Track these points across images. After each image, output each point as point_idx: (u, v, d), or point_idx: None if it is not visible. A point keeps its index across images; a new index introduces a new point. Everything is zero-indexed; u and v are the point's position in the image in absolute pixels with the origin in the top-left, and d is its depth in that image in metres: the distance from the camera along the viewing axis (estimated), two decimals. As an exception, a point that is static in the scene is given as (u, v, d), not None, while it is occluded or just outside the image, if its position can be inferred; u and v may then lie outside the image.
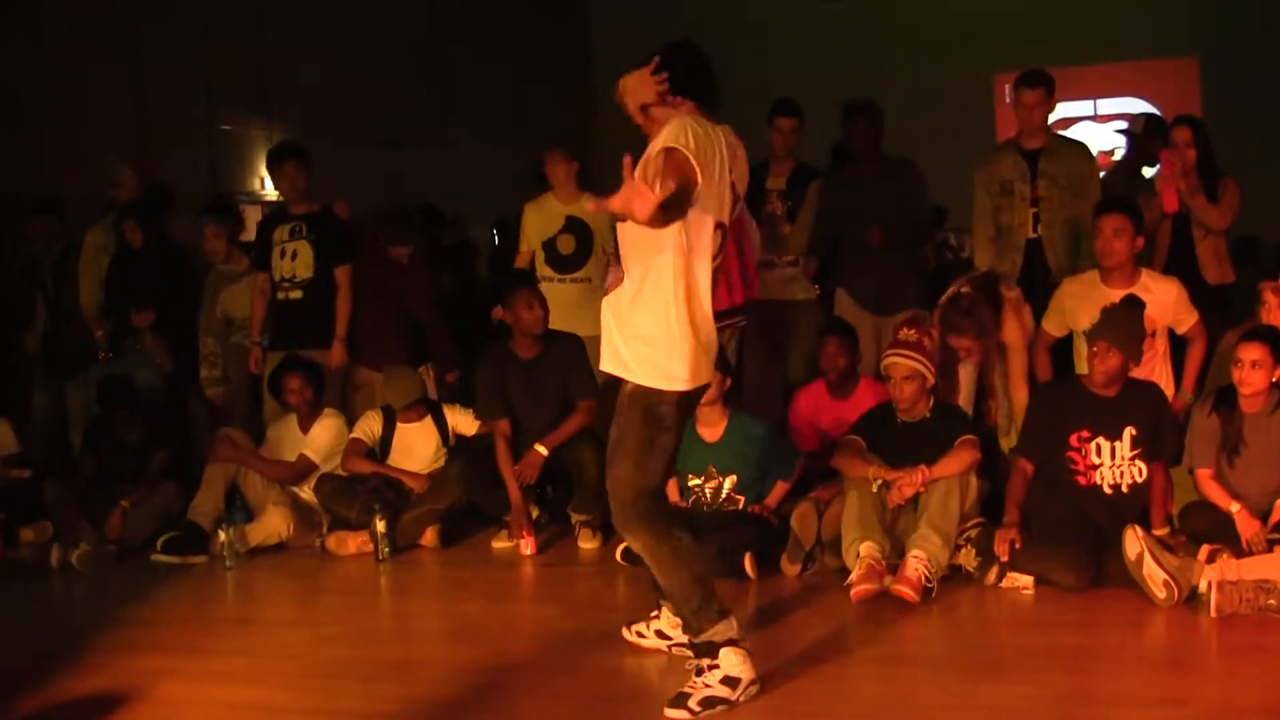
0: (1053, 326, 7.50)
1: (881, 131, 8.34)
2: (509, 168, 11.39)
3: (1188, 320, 7.35)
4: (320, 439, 8.17)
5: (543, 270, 8.88)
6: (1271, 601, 5.76)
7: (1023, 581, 6.36)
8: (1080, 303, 7.22)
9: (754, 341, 8.57)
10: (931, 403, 6.83)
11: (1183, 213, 7.92)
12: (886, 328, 7.69)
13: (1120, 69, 15.20)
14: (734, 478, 7.11)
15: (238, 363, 9.24)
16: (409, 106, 14.33)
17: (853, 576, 6.29)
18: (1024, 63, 8.79)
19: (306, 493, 8.15)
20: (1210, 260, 8.00)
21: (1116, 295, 7.03)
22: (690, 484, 7.19)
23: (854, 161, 8.43)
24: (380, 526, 7.64)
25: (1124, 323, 6.64)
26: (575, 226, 8.85)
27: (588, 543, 7.63)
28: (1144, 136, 9.84)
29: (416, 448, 8.19)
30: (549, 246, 8.90)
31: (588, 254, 8.84)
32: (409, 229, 9.20)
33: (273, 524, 7.91)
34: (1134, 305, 6.81)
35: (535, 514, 7.84)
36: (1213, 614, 5.77)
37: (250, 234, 9.70)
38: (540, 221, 8.97)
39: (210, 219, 9.45)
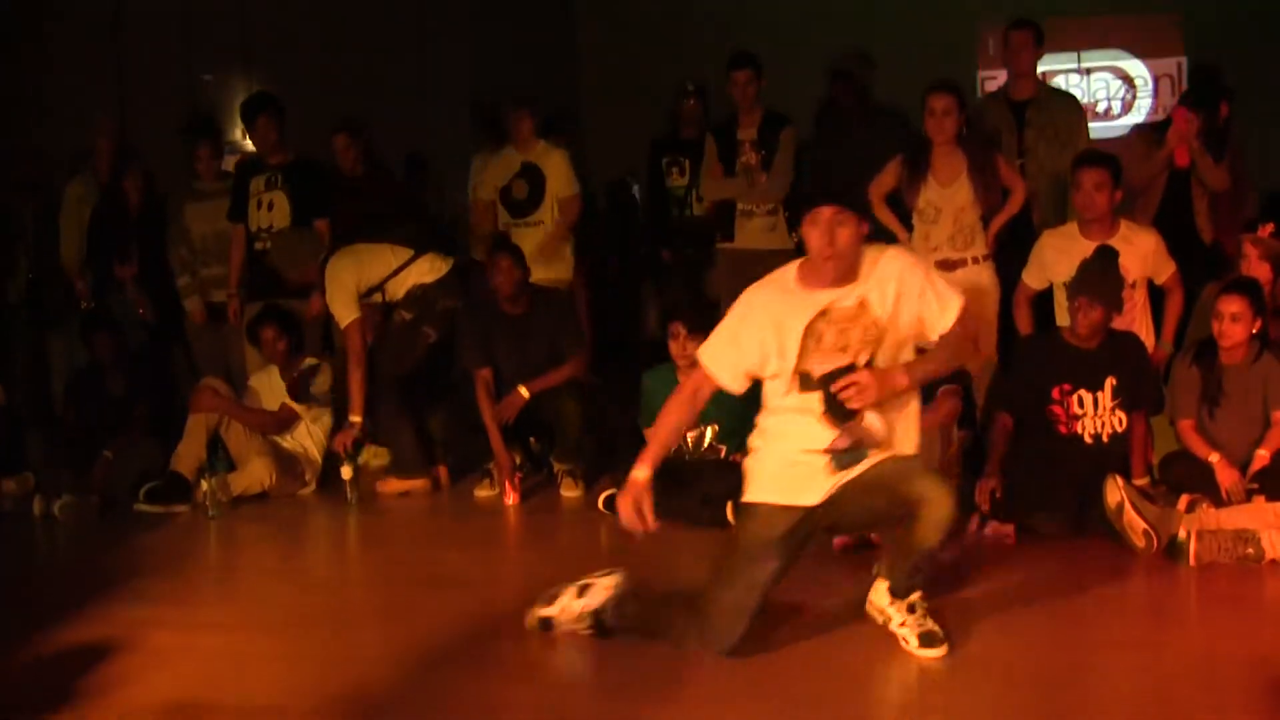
0: (1033, 279, 7.51)
1: (867, 87, 8.37)
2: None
3: (1166, 270, 7.38)
4: (301, 388, 8.19)
5: (500, 216, 9.05)
6: (1249, 551, 5.81)
7: (1004, 531, 6.40)
8: (1060, 255, 7.23)
9: (732, 291, 8.55)
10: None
11: (1184, 170, 7.91)
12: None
13: (1104, 22, 15.18)
14: (715, 427, 7.13)
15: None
16: (392, 57, 14.23)
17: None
18: (1009, 15, 8.78)
19: (289, 442, 8.16)
20: (1207, 218, 8.00)
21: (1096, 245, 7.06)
22: (672, 434, 7.21)
23: (842, 116, 8.44)
24: (347, 473, 7.76)
25: (1101, 274, 6.67)
26: (529, 172, 8.97)
27: (570, 491, 7.66)
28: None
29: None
30: (504, 193, 9.05)
31: (540, 199, 8.95)
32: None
33: (255, 473, 7.91)
34: (1106, 254, 6.84)
35: (518, 462, 7.85)
36: (1191, 563, 5.81)
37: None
38: (495, 169, 9.13)
39: (206, 141, 9.40)
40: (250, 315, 8.60)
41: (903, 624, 4.97)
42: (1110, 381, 6.57)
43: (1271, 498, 6.19)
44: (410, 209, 9.30)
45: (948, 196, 7.65)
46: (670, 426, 5.19)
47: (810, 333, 4.82)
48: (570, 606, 5.21)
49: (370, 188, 9.07)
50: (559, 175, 8.98)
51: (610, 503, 7.12)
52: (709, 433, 7.15)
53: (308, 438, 8.20)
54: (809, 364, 4.82)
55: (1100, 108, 13.02)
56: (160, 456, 8.08)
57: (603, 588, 5.19)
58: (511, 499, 7.59)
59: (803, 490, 4.92)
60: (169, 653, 5.36)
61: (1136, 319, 7.26)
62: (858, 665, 4.95)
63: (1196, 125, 7.80)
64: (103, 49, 11.47)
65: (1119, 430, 6.58)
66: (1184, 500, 6.27)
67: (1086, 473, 6.35)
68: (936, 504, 4.72)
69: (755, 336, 4.91)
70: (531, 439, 8.14)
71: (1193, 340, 7.01)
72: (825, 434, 4.82)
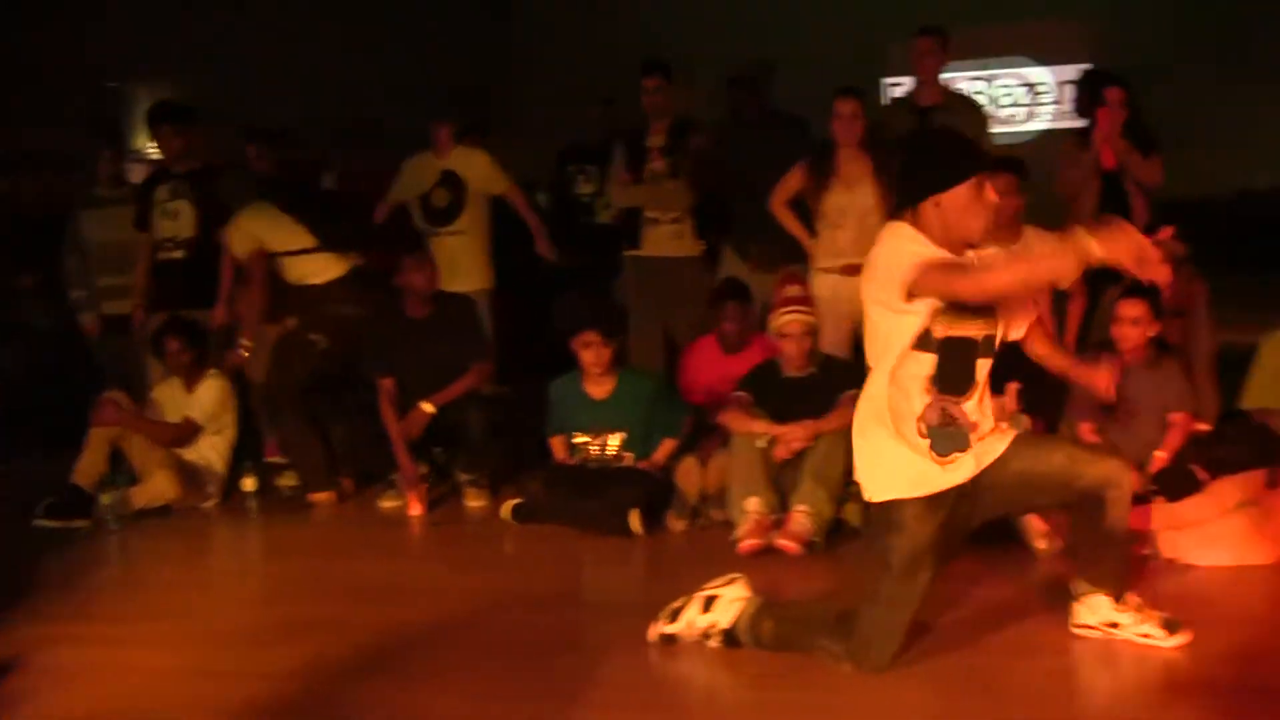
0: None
1: (767, 94, 8.40)
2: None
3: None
4: (205, 400, 8.08)
5: (419, 224, 8.98)
6: (1146, 551, 5.87)
7: (908, 535, 6.42)
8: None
9: (639, 298, 8.62)
10: (818, 357, 6.88)
11: (1115, 171, 7.96)
12: (767, 284, 7.70)
13: (1008, 29, 15.34)
14: (622, 435, 7.14)
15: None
16: (326, 60, 14.16)
17: (739, 531, 6.33)
18: (914, 22, 8.83)
19: (192, 454, 8.07)
20: (1143, 218, 8.06)
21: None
22: (577, 441, 7.22)
23: (743, 124, 8.45)
24: (249, 485, 7.76)
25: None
26: (449, 180, 8.92)
27: (475, 501, 7.62)
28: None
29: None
30: (424, 200, 8.98)
31: (460, 208, 8.90)
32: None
33: (158, 486, 7.81)
34: None
35: (423, 473, 7.80)
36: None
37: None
38: (415, 175, 9.05)
39: (106, 148, 9.30)
40: (153, 326, 8.49)
41: (1141, 622, 4.92)
42: (1012, 386, 6.60)
43: (1169, 499, 6.25)
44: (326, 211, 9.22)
45: (853, 200, 7.68)
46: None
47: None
48: (695, 622, 5.10)
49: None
50: (483, 175, 8.95)
51: (516, 512, 7.11)
52: (615, 440, 7.15)
53: (211, 450, 8.10)
54: (936, 324, 4.60)
55: (1005, 113, 13.12)
56: (61, 471, 7.96)
57: (729, 601, 5.08)
58: (417, 510, 7.54)
59: (923, 479, 4.71)
60: (70, 670, 5.28)
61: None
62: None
63: (1120, 122, 7.86)
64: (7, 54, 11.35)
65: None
66: (1085, 502, 6.32)
67: (989, 476, 6.36)
68: (1119, 484, 4.70)
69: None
70: (436, 449, 8.09)
71: (1093, 344, 7.06)
72: (921, 401, 4.67)
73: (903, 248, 4.57)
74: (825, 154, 7.78)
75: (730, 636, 5.02)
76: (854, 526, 6.54)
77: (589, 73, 11.85)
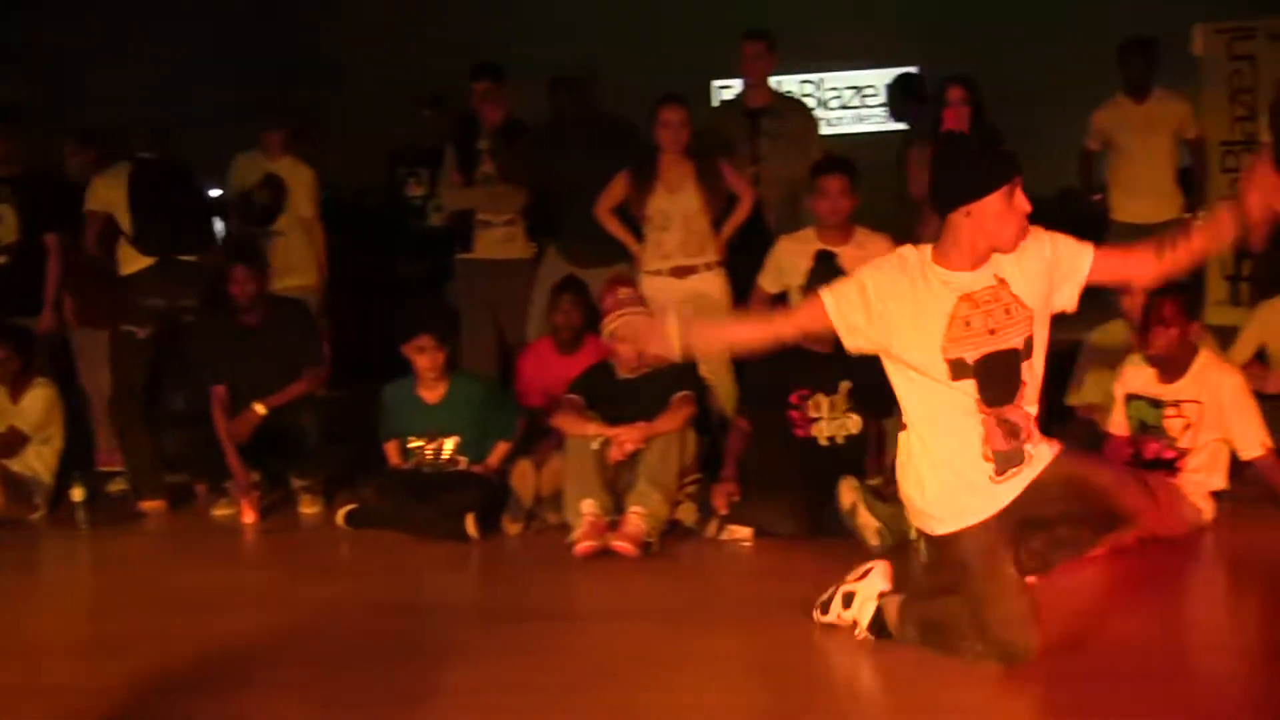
0: (768, 283, 7.61)
1: (593, 95, 8.41)
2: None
3: (898, 277, 7.54)
4: (31, 409, 7.90)
5: (238, 225, 8.97)
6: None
7: (742, 534, 6.48)
8: (797, 259, 7.30)
9: (471, 301, 8.59)
10: (650, 359, 6.91)
11: None
12: (595, 282, 7.71)
13: (836, 33, 15.51)
14: (456, 439, 7.12)
15: None
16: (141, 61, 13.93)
17: (575, 534, 6.34)
18: (743, 26, 8.88)
19: (19, 465, 7.89)
20: None
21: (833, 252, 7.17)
22: (411, 446, 7.19)
23: (567, 126, 8.45)
24: (77, 495, 7.57)
25: (821, 278, 6.78)
26: (271, 182, 8.84)
27: (309, 508, 7.54)
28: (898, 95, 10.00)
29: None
30: (244, 199, 8.90)
31: (279, 209, 8.83)
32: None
33: (-18, 498, 7.66)
34: (826, 259, 6.96)
35: (255, 480, 7.70)
36: (924, 560, 5.93)
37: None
38: (241, 174, 8.98)
39: None
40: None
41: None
42: (845, 386, 6.69)
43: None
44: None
45: (677, 203, 7.72)
46: (744, 337, 5.07)
47: (955, 318, 4.55)
48: (844, 617, 5.11)
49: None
50: (305, 194, 8.89)
51: (351, 518, 7.06)
52: (449, 444, 7.12)
53: (38, 460, 7.92)
54: (960, 350, 4.55)
55: (833, 116, 13.26)
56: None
57: (865, 599, 5.06)
58: (250, 518, 7.45)
59: (985, 504, 4.63)
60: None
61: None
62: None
63: (966, 122, 7.97)
64: None
65: (853, 432, 6.71)
66: (916, 499, 6.42)
67: (822, 475, 6.45)
68: (1135, 522, 4.79)
69: (890, 314, 4.61)
70: (270, 455, 7.99)
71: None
72: (979, 429, 4.58)
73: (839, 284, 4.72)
74: (648, 161, 7.80)
75: (879, 630, 5.00)
76: (688, 527, 6.59)
77: (418, 74, 11.79)
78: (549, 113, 8.57)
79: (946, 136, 4.65)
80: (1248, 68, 11.02)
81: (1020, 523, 4.72)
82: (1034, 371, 4.61)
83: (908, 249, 4.70)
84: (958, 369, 4.53)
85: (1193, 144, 8.95)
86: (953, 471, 4.61)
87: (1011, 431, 4.57)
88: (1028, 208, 4.49)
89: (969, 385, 4.54)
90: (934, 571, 5.12)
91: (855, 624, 5.05)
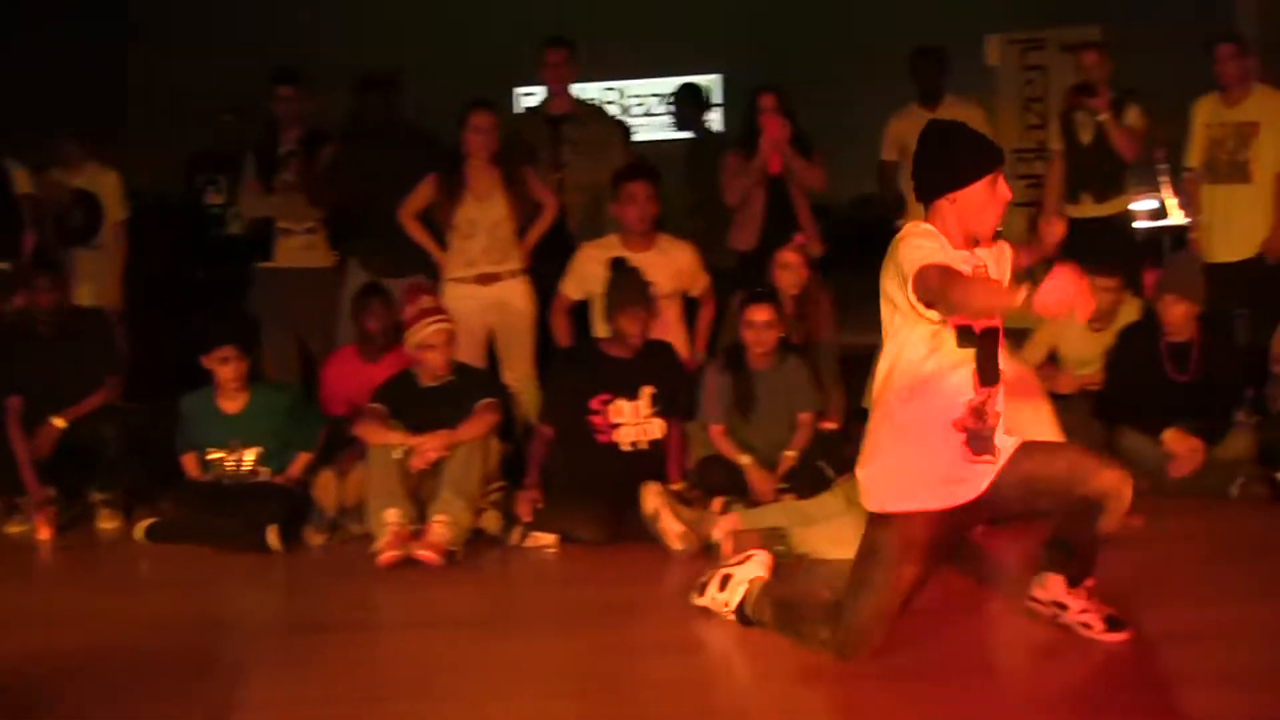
0: (572, 290, 7.63)
1: (395, 101, 8.36)
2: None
3: (700, 283, 7.65)
4: None
5: (52, 241, 8.68)
6: (780, 548, 6.00)
7: (546, 541, 6.49)
8: (600, 267, 7.34)
9: (272, 310, 8.47)
10: (453, 366, 6.88)
11: (780, 176, 8.12)
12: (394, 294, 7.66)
13: (642, 42, 15.62)
14: (257, 450, 7.01)
15: None
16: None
17: (378, 543, 6.28)
18: (549, 32, 8.88)
19: None
20: (809, 223, 8.25)
21: (633, 258, 7.21)
22: (211, 457, 7.05)
23: (369, 131, 8.39)
24: None
25: (630, 285, 6.83)
26: (84, 199, 8.71)
27: (108, 523, 7.32)
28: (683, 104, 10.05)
29: None
30: (59, 221, 8.70)
31: (97, 227, 8.70)
32: None
33: None
34: (621, 266, 7.01)
35: (50, 495, 7.51)
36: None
37: None
38: (42, 188, 8.74)
39: None
40: None
41: (1084, 610, 4.90)
42: (647, 390, 6.73)
43: (799, 496, 6.46)
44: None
45: (484, 211, 7.70)
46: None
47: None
48: (717, 599, 5.17)
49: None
50: (115, 199, 8.78)
51: (151, 532, 6.93)
52: (249, 455, 7.02)
53: None
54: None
55: (636, 123, 13.30)
56: None
57: (739, 583, 5.12)
58: (45, 534, 7.25)
59: (952, 490, 4.61)
60: None
61: (670, 328, 7.46)
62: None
63: (788, 132, 8.04)
64: None
65: (656, 437, 6.75)
66: (718, 502, 6.53)
67: (625, 480, 6.49)
68: (1120, 496, 4.64)
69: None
70: (67, 468, 7.80)
71: (722, 348, 7.24)
72: (967, 393, 4.55)
73: (920, 244, 4.47)
74: (455, 166, 7.77)
75: (742, 616, 5.07)
76: (493, 535, 6.57)
77: (218, 80, 11.64)
78: (350, 117, 8.49)
79: (933, 124, 4.69)
80: (1039, 77, 11.33)
81: (961, 536, 4.88)
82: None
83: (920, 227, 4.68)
84: (963, 336, 4.54)
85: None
86: (924, 445, 4.59)
87: (979, 414, 4.59)
88: (1008, 196, 4.58)
89: (970, 355, 4.56)
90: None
91: (725, 609, 5.13)
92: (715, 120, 11.04)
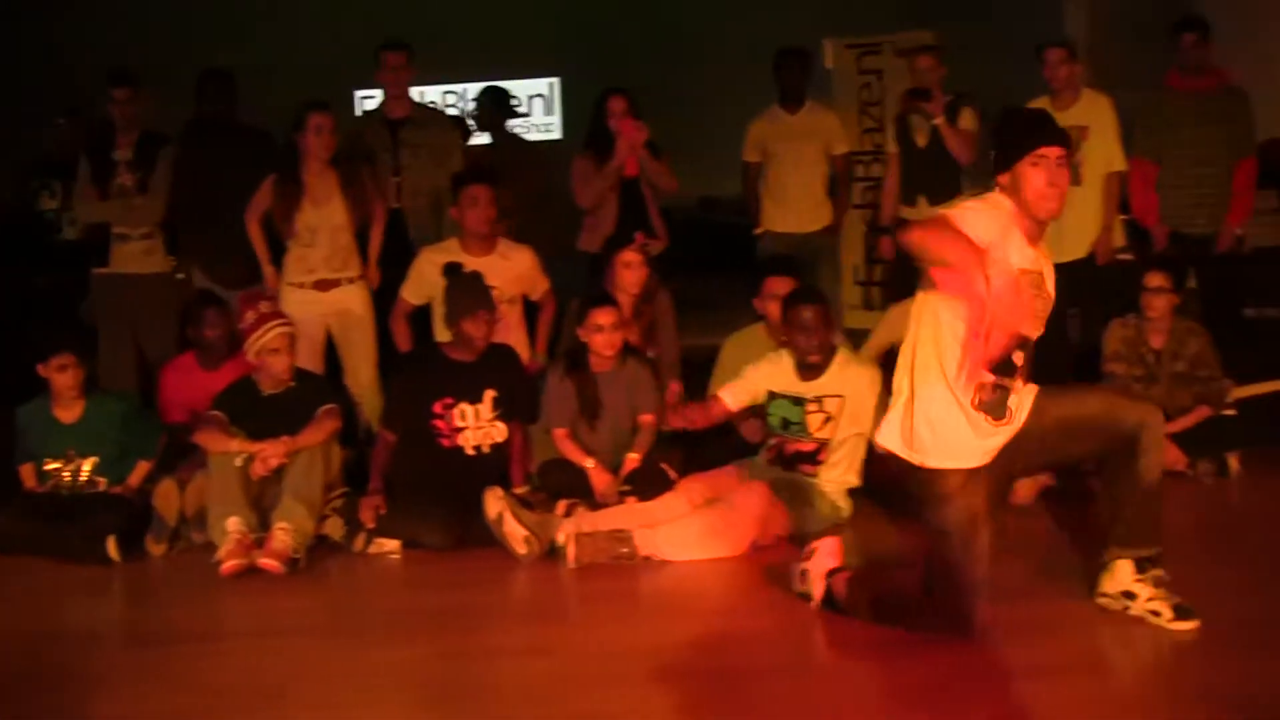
0: (412, 295, 7.61)
1: (231, 104, 8.30)
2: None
3: (541, 286, 7.68)
4: None
5: None
6: (624, 550, 6.06)
7: (390, 546, 6.47)
8: (440, 271, 7.33)
9: (109, 317, 8.34)
10: (294, 372, 6.84)
11: (634, 179, 8.15)
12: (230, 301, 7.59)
13: (481, 45, 15.60)
14: (94, 459, 6.90)
15: None
16: None
17: (221, 553, 6.22)
18: (387, 35, 8.84)
19: None
20: (661, 225, 8.28)
21: (474, 262, 7.21)
22: (48, 468, 6.92)
23: (208, 133, 8.30)
24: None
25: (473, 289, 6.83)
26: None
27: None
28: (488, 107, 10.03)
29: None
30: None
31: None
32: None
33: None
34: (453, 270, 7.01)
35: None
36: (571, 565, 6.02)
37: None
38: None
39: None
40: None
41: (1151, 598, 4.93)
42: (490, 394, 6.74)
43: (642, 498, 6.50)
44: None
45: (323, 217, 7.65)
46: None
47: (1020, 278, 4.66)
48: (798, 591, 5.37)
49: None
50: None
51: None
52: (87, 465, 6.91)
53: None
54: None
55: (475, 126, 13.25)
56: None
57: (816, 578, 5.27)
58: None
59: (983, 449, 4.80)
60: None
61: (512, 332, 7.47)
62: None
63: (645, 135, 8.07)
64: None
65: (499, 440, 6.76)
66: (561, 505, 6.56)
67: (469, 484, 6.46)
68: (1154, 426, 4.75)
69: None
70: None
71: (563, 351, 7.26)
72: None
73: (969, 207, 4.66)
74: (293, 169, 7.71)
75: (831, 604, 5.21)
76: (336, 542, 6.54)
77: (51, 82, 11.47)
78: (190, 117, 8.40)
79: (1007, 110, 4.86)
80: (875, 81, 11.49)
81: (1010, 480, 5.08)
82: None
83: (998, 197, 4.79)
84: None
85: (838, 158, 9.19)
86: (953, 401, 4.74)
87: (1000, 385, 4.76)
88: (1064, 176, 4.70)
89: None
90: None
91: (815, 601, 5.26)
92: (519, 124, 11.00)
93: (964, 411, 4.75)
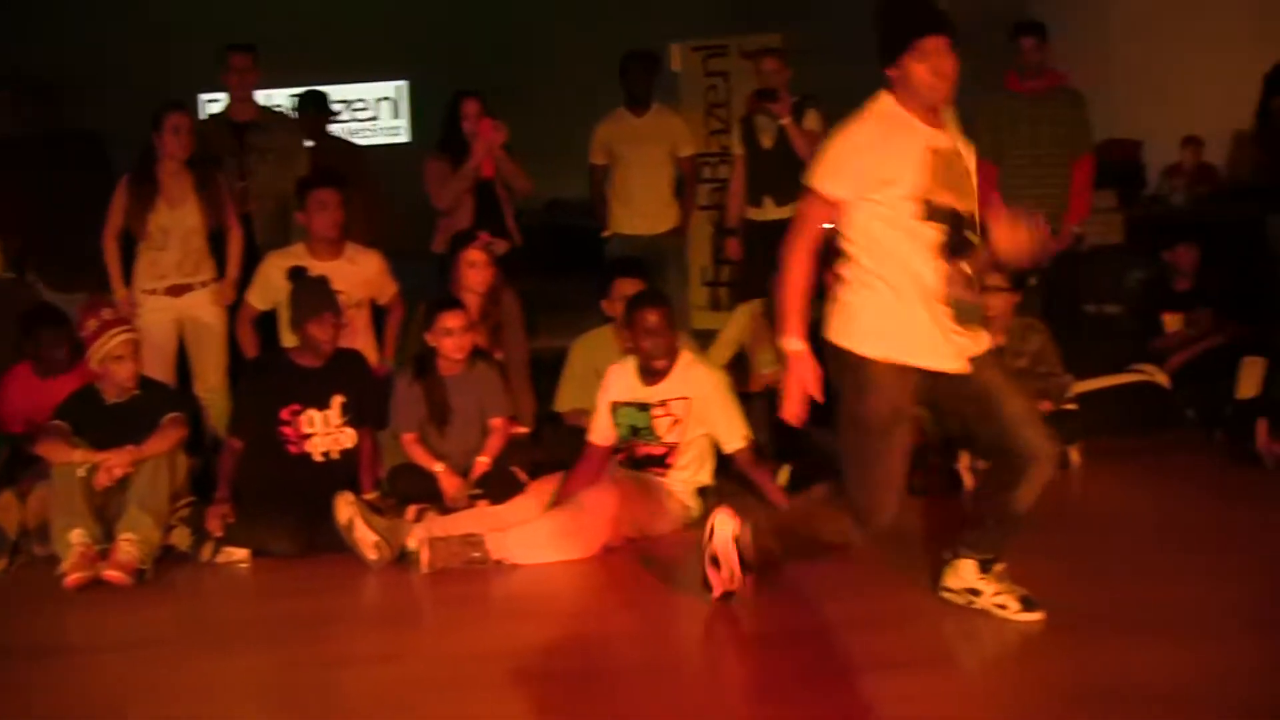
0: (258, 299, 7.54)
1: (56, 108, 8.20)
2: None
3: (389, 291, 7.66)
4: None
5: None
6: (476, 554, 6.05)
7: (239, 555, 6.41)
8: (284, 275, 7.28)
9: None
10: (139, 380, 6.74)
11: (490, 180, 8.13)
12: (71, 306, 7.47)
13: (321, 49, 15.52)
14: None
15: None
16: None
17: (64, 565, 6.11)
18: (233, 38, 8.75)
19: None
20: (514, 226, 8.26)
21: (321, 266, 7.17)
22: (-116, 482, 6.81)
23: (32, 138, 8.14)
24: None
25: (318, 293, 6.79)
26: None
27: None
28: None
29: None
30: None
31: None
32: None
33: None
34: (297, 275, 6.97)
35: None
36: (423, 570, 5.99)
37: None
38: None
39: None
40: None
41: (997, 593, 4.99)
42: (338, 399, 6.70)
43: (494, 502, 6.50)
44: None
45: (177, 220, 7.56)
46: (803, 282, 4.74)
47: (932, 158, 4.67)
48: (736, 575, 5.18)
49: None
50: None
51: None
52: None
53: None
54: (934, 192, 4.64)
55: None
56: None
57: (728, 560, 5.16)
58: None
59: (934, 352, 4.73)
60: None
61: (359, 336, 7.43)
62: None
63: (503, 136, 8.05)
64: None
65: (348, 446, 6.72)
66: (412, 510, 6.53)
67: (318, 491, 6.41)
68: (1044, 467, 4.74)
69: (873, 155, 4.67)
70: None
71: (410, 355, 7.22)
72: (935, 270, 4.66)
73: (847, 137, 4.76)
74: (147, 170, 7.60)
75: (750, 567, 5.17)
76: (183, 551, 6.45)
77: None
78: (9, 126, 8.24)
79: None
80: (722, 84, 11.58)
81: (932, 404, 4.94)
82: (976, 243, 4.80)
83: (880, 101, 4.82)
84: (929, 210, 4.65)
85: (685, 160, 9.21)
86: (916, 309, 4.69)
87: (967, 282, 4.75)
88: (950, 61, 4.68)
89: (935, 229, 4.66)
90: None
91: (734, 575, 5.18)
92: (338, 128, 10.99)
93: (924, 303, 4.72)
